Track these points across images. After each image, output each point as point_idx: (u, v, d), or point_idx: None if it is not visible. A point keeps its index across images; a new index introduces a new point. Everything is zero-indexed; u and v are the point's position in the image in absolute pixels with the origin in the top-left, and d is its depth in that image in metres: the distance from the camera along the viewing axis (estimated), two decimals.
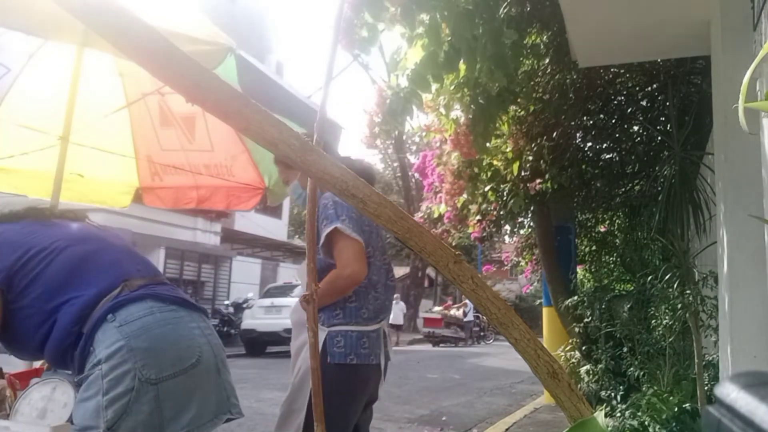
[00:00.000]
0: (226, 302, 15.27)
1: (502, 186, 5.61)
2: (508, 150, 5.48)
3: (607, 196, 6.05)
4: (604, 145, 5.96)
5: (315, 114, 2.29)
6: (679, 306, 3.24)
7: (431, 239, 1.01)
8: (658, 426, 3.31)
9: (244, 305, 13.80)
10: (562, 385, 0.95)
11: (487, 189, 5.63)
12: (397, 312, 18.92)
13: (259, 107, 1.00)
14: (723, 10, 2.59)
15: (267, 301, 12.94)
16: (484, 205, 5.89)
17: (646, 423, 3.42)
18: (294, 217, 28.30)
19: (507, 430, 5.32)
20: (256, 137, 1.00)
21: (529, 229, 7.60)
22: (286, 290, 13.59)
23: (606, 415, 1.05)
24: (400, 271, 30.68)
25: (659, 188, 3.30)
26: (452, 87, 4.05)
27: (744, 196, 2.42)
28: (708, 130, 3.64)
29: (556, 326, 6.27)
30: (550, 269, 6.21)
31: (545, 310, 6.75)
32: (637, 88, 5.48)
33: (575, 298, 5.47)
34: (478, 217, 6.06)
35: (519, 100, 4.83)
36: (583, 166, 5.69)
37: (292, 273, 19.32)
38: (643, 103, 5.54)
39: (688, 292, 3.14)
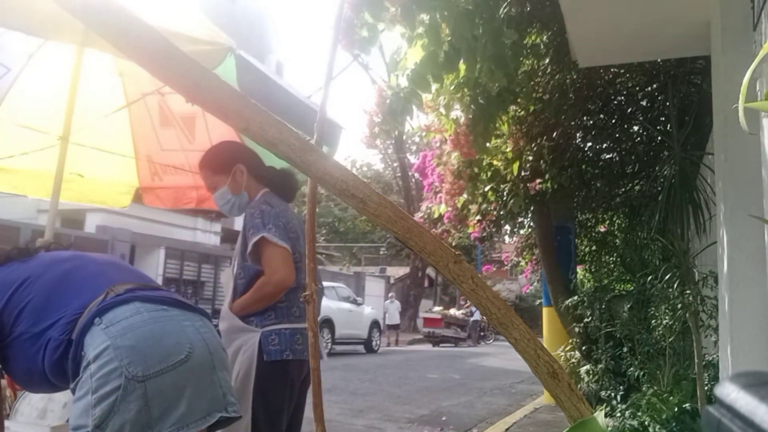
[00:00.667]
0: None
1: (502, 186, 5.61)
2: (508, 150, 5.48)
3: (607, 196, 6.05)
4: (604, 145, 5.96)
5: (315, 114, 2.29)
6: (679, 306, 3.23)
7: (431, 239, 1.01)
8: (658, 426, 3.31)
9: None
10: (562, 385, 0.95)
11: (487, 189, 5.63)
12: (393, 311, 18.93)
13: (259, 107, 1.00)
14: (723, 10, 2.59)
15: None
16: (484, 205, 5.89)
17: (646, 423, 3.42)
18: None
19: (507, 430, 5.32)
20: (256, 137, 1.00)
21: (529, 229, 7.60)
22: None
23: (606, 415, 1.06)
24: (400, 271, 30.72)
25: (659, 188, 3.30)
26: (452, 87, 4.05)
27: (744, 196, 2.41)
28: (708, 130, 3.64)
29: (556, 326, 6.27)
30: (550, 269, 6.21)
31: (545, 310, 6.75)
32: (637, 88, 5.48)
33: (575, 298, 5.47)
34: (478, 217, 6.06)
35: (519, 100, 4.83)
36: (583, 166, 5.69)
37: None
38: (643, 103, 5.54)
39: (688, 292, 3.14)
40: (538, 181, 5.36)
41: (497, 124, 4.65)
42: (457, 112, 4.35)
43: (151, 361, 1.29)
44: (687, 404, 3.35)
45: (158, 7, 1.99)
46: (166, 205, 3.54)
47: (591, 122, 5.65)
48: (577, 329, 5.49)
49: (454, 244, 8.85)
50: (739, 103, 0.91)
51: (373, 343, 15.07)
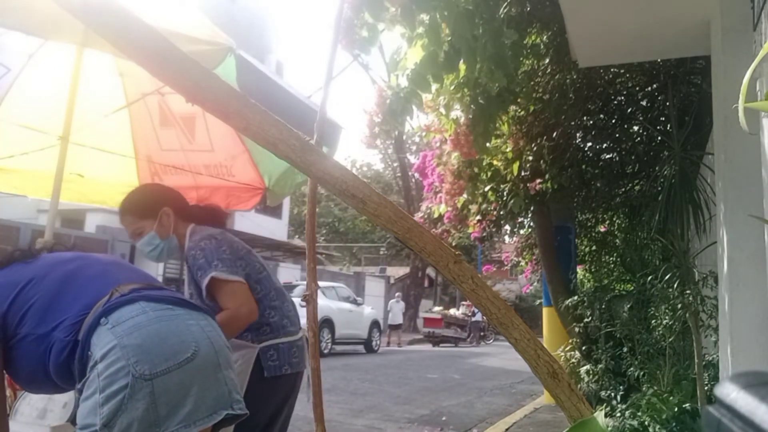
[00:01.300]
0: None
1: (502, 186, 5.61)
2: (508, 150, 5.48)
3: (607, 196, 6.05)
4: (604, 145, 5.96)
5: (315, 114, 2.30)
6: (679, 306, 3.24)
7: (431, 239, 1.01)
8: (658, 426, 3.31)
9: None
10: (562, 385, 0.95)
11: (487, 189, 5.63)
12: (397, 311, 18.88)
13: (259, 107, 1.00)
14: (723, 11, 2.59)
15: None
16: (484, 205, 5.89)
17: (646, 423, 3.42)
18: (294, 217, 28.33)
19: (507, 430, 5.32)
20: (256, 137, 1.00)
21: (529, 229, 7.60)
22: (286, 290, 13.59)
23: (606, 415, 1.06)
24: (400, 271, 30.73)
25: (659, 188, 3.30)
26: (452, 87, 4.05)
27: (744, 196, 2.42)
28: (708, 130, 3.64)
29: (556, 326, 6.27)
30: (550, 269, 6.21)
31: (545, 310, 6.74)
32: (637, 88, 5.48)
33: (575, 298, 5.47)
34: (478, 217, 6.06)
35: (519, 100, 4.83)
36: (583, 166, 5.69)
37: (292, 273, 19.33)
38: (643, 103, 5.54)
39: (688, 292, 3.14)
40: (538, 181, 5.36)
41: (497, 124, 4.65)
42: (457, 112, 4.35)
43: (158, 360, 1.30)
44: (687, 404, 3.35)
45: (158, 7, 1.99)
46: None
47: (591, 122, 5.65)
48: (577, 329, 5.49)
49: (454, 244, 8.85)
50: (739, 103, 0.91)
51: (373, 343, 15.06)
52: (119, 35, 0.99)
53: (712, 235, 3.06)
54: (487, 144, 4.53)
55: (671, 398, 3.49)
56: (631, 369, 4.45)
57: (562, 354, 5.61)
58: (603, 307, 5.19)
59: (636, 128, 5.70)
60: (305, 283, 2.94)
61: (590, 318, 5.28)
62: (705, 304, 3.13)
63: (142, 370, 1.27)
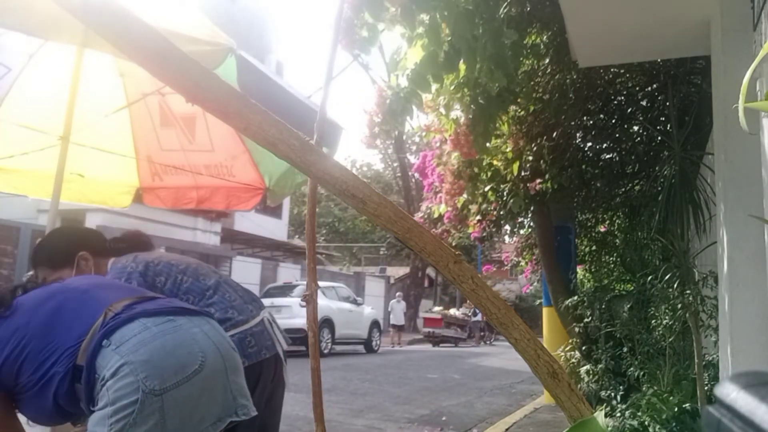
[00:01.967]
0: None
1: (502, 186, 5.61)
2: (508, 150, 5.48)
3: (607, 196, 6.05)
4: (604, 145, 5.96)
5: (315, 114, 2.30)
6: (679, 306, 3.24)
7: (431, 239, 1.01)
8: (658, 426, 3.31)
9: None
10: (562, 385, 0.95)
11: (487, 189, 5.63)
12: (399, 312, 18.83)
13: (259, 107, 1.00)
14: (723, 11, 2.59)
15: (267, 301, 12.91)
16: (484, 205, 5.89)
17: (646, 423, 3.42)
18: (294, 217, 28.34)
19: (507, 430, 5.32)
20: (256, 137, 1.00)
21: (529, 229, 7.60)
22: (286, 290, 13.60)
23: (606, 415, 1.06)
24: (400, 271, 30.73)
25: (659, 188, 3.30)
26: (452, 87, 4.05)
27: (744, 196, 2.42)
28: (708, 130, 3.64)
29: (556, 326, 6.27)
30: (550, 269, 6.21)
31: (545, 310, 6.74)
32: (637, 88, 5.48)
33: (575, 298, 5.47)
34: (478, 217, 6.06)
35: (519, 100, 4.83)
36: (583, 166, 5.69)
37: (292, 273, 19.33)
38: (643, 103, 5.54)
39: (688, 292, 3.14)
40: (538, 181, 5.36)
41: (497, 124, 4.65)
42: (457, 112, 4.35)
43: (167, 374, 1.30)
44: (687, 404, 3.35)
45: (158, 7, 1.99)
46: (166, 205, 3.54)
47: (591, 122, 5.65)
48: (577, 329, 5.49)
49: (454, 244, 8.86)
50: (739, 103, 0.91)
51: (373, 343, 15.06)
52: (119, 35, 0.99)
53: (712, 235, 3.06)
54: (487, 144, 4.53)
55: (671, 398, 3.49)
56: (631, 369, 4.45)
57: (562, 354, 5.61)
58: (603, 307, 5.19)
59: (636, 128, 5.70)
60: (305, 283, 2.94)
61: (590, 318, 5.28)
62: (705, 304, 3.13)
63: (152, 386, 1.27)
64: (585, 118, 5.56)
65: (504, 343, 18.52)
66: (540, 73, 5.19)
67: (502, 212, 5.77)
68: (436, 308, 22.57)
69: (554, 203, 5.81)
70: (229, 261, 17.28)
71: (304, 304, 2.26)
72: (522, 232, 7.87)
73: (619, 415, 3.90)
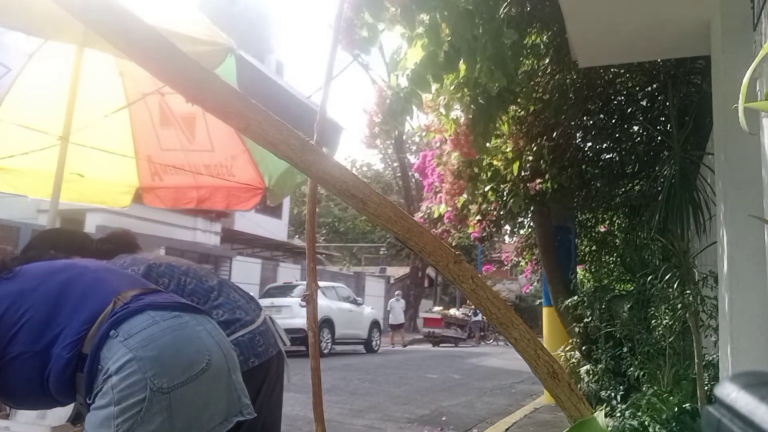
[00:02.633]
0: None
1: (502, 186, 5.61)
2: (508, 150, 5.48)
3: (607, 196, 6.05)
4: (604, 145, 5.96)
5: (315, 114, 2.30)
6: (679, 306, 3.24)
7: (431, 239, 1.01)
8: (658, 426, 3.31)
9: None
10: (562, 385, 0.95)
11: (487, 189, 5.63)
12: (398, 311, 18.75)
13: (259, 107, 1.00)
14: (723, 11, 2.59)
15: (267, 301, 12.94)
16: (484, 205, 5.89)
17: (646, 423, 3.42)
18: (294, 217, 28.34)
19: (507, 430, 5.32)
20: (256, 137, 1.00)
21: (529, 229, 7.60)
22: (286, 290, 13.61)
23: (606, 415, 1.06)
24: (400, 271, 30.73)
25: (659, 188, 3.29)
26: (452, 87, 4.05)
27: (744, 196, 2.42)
28: (708, 130, 3.64)
29: (556, 326, 6.27)
30: (550, 269, 6.21)
31: (545, 310, 6.75)
32: (637, 88, 5.48)
33: (575, 298, 5.47)
34: (478, 217, 6.05)
35: (519, 100, 4.83)
36: (583, 166, 5.69)
37: (292, 273, 19.33)
38: (643, 103, 5.54)
39: (688, 292, 3.14)
40: (538, 181, 5.36)
41: (497, 124, 4.65)
42: (457, 112, 4.35)
43: (176, 372, 1.28)
44: (687, 404, 3.35)
45: (158, 7, 1.99)
46: (166, 205, 3.54)
47: (591, 122, 5.65)
48: (577, 329, 5.49)
49: (454, 244, 8.86)
50: (739, 103, 0.91)
51: (373, 343, 15.06)
52: (119, 35, 0.99)
53: (712, 235, 3.06)
54: (487, 144, 4.53)
55: (671, 398, 3.49)
56: (631, 369, 4.45)
57: (562, 354, 5.61)
58: (603, 307, 5.19)
59: (636, 128, 5.70)
60: (305, 283, 2.94)
61: (590, 318, 5.28)
62: (705, 304, 3.13)
63: (160, 384, 1.25)
64: (585, 118, 5.56)
65: (502, 342, 18.49)
66: (540, 73, 5.19)
67: (502, 212, 5.77)
68: (436, 308, 22.58)
69: (554, 203, 5.81)
70: (229, 261, 17.29)
71: (304, 304, 2.26)
72: (522, 232, 7.87)
73: (619, 415, 3.90)
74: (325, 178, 1.01)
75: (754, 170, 2.24)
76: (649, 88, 5.40)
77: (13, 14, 1.74)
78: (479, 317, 20.96)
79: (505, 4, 3.72)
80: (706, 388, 3.12)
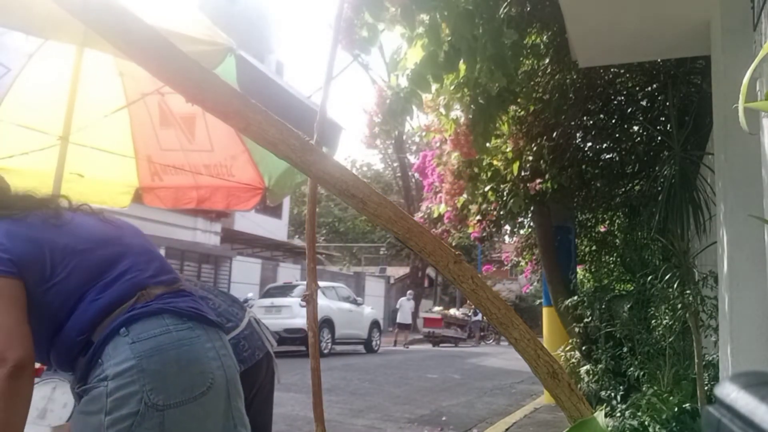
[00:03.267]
0: None
1: (502, 186, 5.61)
2: (508, 150, 5.48)
3: (607, 196, 6.05)
4: (604, 145, 5.96)
5: (315, 114, 2.30)
6: (679, 306, 3.24)
7: (431, 239, 1.01)
8: (658, 426, 3.31)
9: (245, 305, 13.72)
10: (562, 385, 0.95)
11: (487, 189, 5.63)
12: (407, 310, 18.66)
13: (259, 107, 1.00)
14: (723, 11, 2.59)
15: (267, 301, 12.96)
16: (484, 205, 5.89)
17: (646, 423, 3.42)
18: (294, 217, 28.34)
19: (507, 430, 5.32)
20: (256, 137, 1.00)
21: (529, 229, 7.60)
22: (286, 290, 13.60)
23: (606, 415, 1.06)
24: (400, 271, 30.74)
25: (659, 188, 3.30)
26: (452, 87, 4.05)
27: (744, 196, 2.42)
28: (708, 130, 3.64)
29: (556, 326, 6.27)
30: (550, 269, 6.21)
31: (545, 310, 6.75)
32: (637, 88, 5.48)
33: (575, 298, 5.47)
34: (478, 217, 6.06)
35: (519, 100, 4.83)
36: (583, 166, 5.69)
37: (292, 273, 19.33)
38: (643, 103, 5.54)
39: (688, 292, 3.14)
40: (538, 181, 5.36)
41: (497, 124, 4.66)
42: (457, 112, 4.35)
43: (174, 391, 1.24)
44: (687, 404, 3.35)
45: (158, 7, 1.99)
46: (166, 205, 3.54)
47: (591, 122, 5.65)
48: (577, 329, 5.49)
49: (454, 244, 8.86)
50: (739, 103, 0.91)
51: (373, 343, 15.06)
52: (119, 35, 0.99)
53: (712, 235, 3.06)
54: (487, 144, 4.53)
55: (671, 398, 3.49)
56: (631, 369, 4.45)
57: (562, 354, 5.61)
58: (603, 307, 5.19)
59: (636, 128, 5.70)
60: (305, 283, 2.94)
61: (590, 318, 5.28)
62: (705, 304, 3.13)
63: (155, 400, 1.21)
64: (585, 118, 5.57)
65: (504, 343, 18.49)
66: (540, 73, 5.19)
67: (502, 212, 5.77)
68: (436, 308, 22.58)
69: (554, 203, 5.81)
70: (229, 261, 17.29)
71: (304, 304, 2.26)
72: (522, 232, 7.87)
73: (619, 415, 3.90)
74: (325, 178, 1.01)
75: (754, 170, 2.24)
76: (649, 88, 5.40)
77: (13, 14, 1.74)
78: (479, 317, 20.95)
79: (505, 4, 3.72)
80: (706, 388, 3.12)
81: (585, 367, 5.25)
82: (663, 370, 3.96)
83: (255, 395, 1.99)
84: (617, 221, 7.20)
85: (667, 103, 4.73)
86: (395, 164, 28.26)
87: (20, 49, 2.66)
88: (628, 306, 4.78)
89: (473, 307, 20.73)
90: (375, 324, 15.22)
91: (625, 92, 5.61)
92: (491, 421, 5.89)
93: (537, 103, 5.20)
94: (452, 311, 21.38)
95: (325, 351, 12.45)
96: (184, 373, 1.27)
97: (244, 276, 17.27)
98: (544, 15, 4.21)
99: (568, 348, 5.68)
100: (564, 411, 0.95)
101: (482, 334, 22.24)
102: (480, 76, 3.61)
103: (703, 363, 3.22)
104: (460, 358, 14.25)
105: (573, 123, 5.38)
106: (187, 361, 1.28)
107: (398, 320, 18.51)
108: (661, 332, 3.84)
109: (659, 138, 4.97)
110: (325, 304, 12.43)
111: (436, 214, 6.24)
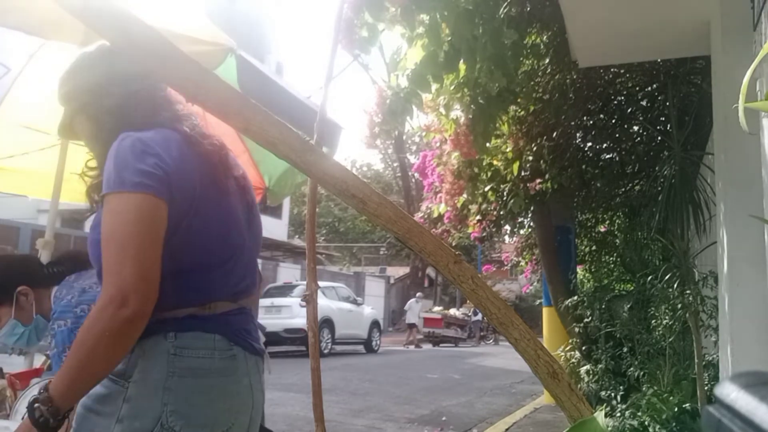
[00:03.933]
0: None
1: (502, 186, 5.61)
2: (508, 150, 5.48)
3: (607, 196, 6.06)
4: (604, 145, 5.96)
5: (315, 114, 2.30)
6: (679, 306, 3.24)
7: (431, 239, 1.01)
8: (658, 426, 3.32)
9: None
10: (562, 385, 0.95)
11: (487, 189, 5.63)
12: (416, 311, 18.76)
13: (259, 107, 1.00)
14: (723, 11, 2.59)
15: (267, 301, 12.95)
16: (484, 205, 5.89)
17: (646, 423, 3.42)
18: (294, 217, 28.35)
19: (507, 430, 5.32)
20: (257, 137, 1.00)
21: (529, 229, 7.60)
22: (286, 290, 13.60)
23: (606, 415, 1.06)
24: (400, 271, 30.74)
25: (659, 188, 3.30)
26: (452, 87, 4.05)
27: (744, 196, 2.42)
28: (708, 130, 3.64)
29: (556, 326, 6.27)
30: (550, 269, 6.21)
31: (545, 310, 6.75)
32: (637, 88, 5.48)
33: (575, 298, 5.47)
34: (478, 217, 6.06)
35: (519, 100, 4.83)
36: (583, 166, 5.69)
37: (292, 273, 19.33)
38: (643, 103, 5.55)
39: (688, 292, 3.14)
40: (538, 181, 5.36)
41: (497, 124, 4.65)
42: (457, 112, 4.35)
43: (196, 422, 1.13)
44: (687, 404, 3.35)
45: (158, 7, 1.99)
46: None
47: (591, 122, 5.65)
48: (577, 329, 5.49)
49: (454, 244, 8.85)
50: (739, 103, 0.91)
51: (373, 343, 15.07)
52: (119, 35, 0.99)
53: (712, 235, 3.06)
54: (487, 144, 4.53)
55: (671, 398, 3.49)
56: (631, 369, 4.45)
57: (562, 354, 5.61)
58: (603, 307, 5.20)
59: (636, 128, 5.70)
60: (305, 283, 2.94)
61: (590, 318, 5.28)
62: (705, 304, 3.13)
63: (173, 424, 1.10)
64: (585, 118, 5.57)
65: (504, 343, 18.47)
66: (540, 73, 5.20)
67: (502, 212, 5.77)
68: (436, 308, 22.58)
69: (554, 203, 5.82)
70: None
71: (304, 304, 2.26)
72: (522, 232, 7.87)
73: (619, 415, 3.90)
74: (325, 178, 1.01)
75: (754, 170, 2.24)
76: (649, 88, 5.40)
77: (13, 14, 1.74)
78: (479, 317, 20.95)
79: (505, 4, 3.73)
80: (706, 388, 3.12)
81: (585, 367, 5.25)
82: (663, 370, 3.96)
83: None
84: (617, 221, 7.20)
85: (667, 103, 4.73)
86: (395, 164, 28.27)
87: (20, 49, 2.66)
88: (628, 306, 4.78)
89: (473, 307, 20.76)
90: (375, 324, 15.23)
91: (625, 92, 5.61)
92: (491, 421, 5.89)
93: (537, 103, 5.20)
94: (452, 311, 21.38)
95: (325, 351, 12.45)
96: (212, 407, 1.16)
97: None
98: (544, 15, 4.21)
99: (568, 348, 5.69)
100: (564, 411, 0.95)
101: (482, 334, 22.24)
102: (480, 76, 3.61)
103: (703, 363, 3.22)
104: (460, 358, 14.25)
105: (573, 123, 5.38)
106: (219, 394, 1.17)
107: (407, 321, 18.64)
108: (661, 332, 3.84)
109: (659, 138, 4.97)
110: (325, 304, 12.43)
111: (436, 214, 6.24)
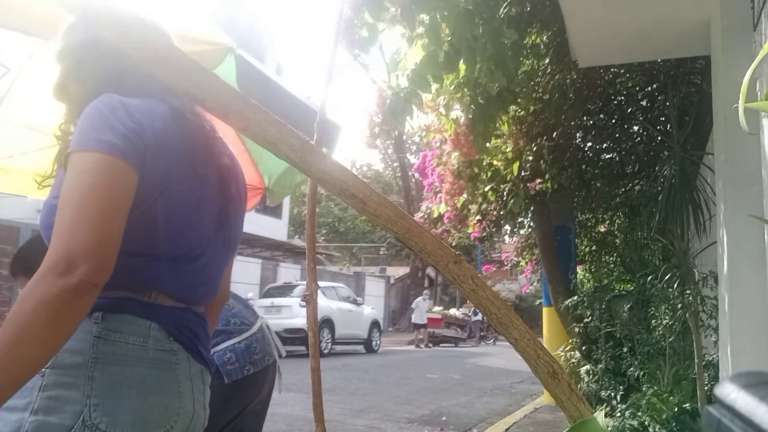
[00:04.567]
0: None
1: (502, 186, 5.61)
2: (508, 150, 5.48)
3: (607, 196, 6.06)
4: (604, 145, 5.97)
5: (315, 114, 2.30)
6: (679, 306, 3.24)
7: (431, 239, 1.01)
8: (658, 426, 3.31)
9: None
10: (562, 385, 0.95)
11: (487, 189, 5.63)
12: (423, 310, 18.67)
13: (259, 107, 1.00)
14: (723, 11, 2.59)
15: (267, 301, 12.96)
16: (484, 205, 5.89)
17: (646, 423, 3.42)
18: (294, 217, 28.35)
19: (507, 430, 5.32)
20: (256, 137, 1.00)
21: (529, 229, 7.61)
22: (286, 290, 13.61)
23: (606, 415, 1.06)
24: (400, 271, 30.74)
25: (659, 188, 3.30)
26: (452, 87, 4.05)
27: (744, 196, 2.42)
28: (708, 130, 3.64)
29: (556, 326, 6.27)
30: (550, 269, 6.21)
31: (545, 310, 6.75)
32: (637, 88, 5.48)
33: (575, 298, 5.47)
34: (478, 217, 6.06)
35: (519, 100, 4.83)
36: (583, 166, 5.70)
37: (292, 273, 19.33)
38: (643, 103, 5.55)
39: (688, 292, 3.14)
40: (538, 181, 5.36)
41: (497, 124, 4.66)
42: (457, 112, 4.35)
43: (124, 419, 0.94)
44: (687, 404, 3.35)
45: (158, 6, 1.99)
46: None
47: (591, 122, 5.65)
48: (577, 329, 5.50)
49: (454, 244, 8.86)
50: (739, 103, 0.91)
51: (373, 343, 15.07)
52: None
53: (712, 235, 3.07)
54: (487, 144, 4.53)
55: (671, 398, 3.49)
56: (631, 369, 4.45)
57: (562, 354, 5.62)
58: (603, 307, 5.20)
59: (636, 128, 5.70)
60: (305, 283, 2.94)
61: (590, 318, 5.28)
62: (705, 304, 3.13)
63: (97, 422, 0.91)
64: (585, 118, 5.57)
65: (504, 343, 18.47)
66: (540, 73, 5.20)
67: (502, 212, 5.77)
68: (436, 308, 22.58)
69: (554, 203, 5.82)
70: None
71: (304, 304, 2.26)
72: (522, 232, 7.87)
73: (619, 415, 3.90)
74: (325, 178, 1.01)
75: (754, 170, 2.25)
76: (649, 88, 5.40)
77: (13, 14, 1.75)
78: (479, 317, 20.95)
79: (505, 4, 3.73)
80: (706, 388, 3.12)
81: (585, 367, 5.25)
82: (663, 370, 3.96)
83: (257, 403, 1.99)
84: (617, 221, 7.20)
85: (667, 103, 4.73)
86: (395, 164, 28.28)
87: (20, 49, 2.66)
88: (628, 306, 4.79)
89: (473, 307, 20.75)
90: (375, 324, 15.23)
91: (625, 92, 5.61)
92: (491, 421, 5.89)
93: (537, 103, 5.20)
94: (452, 311, 21.38)
95: (325, 351, 12.45)
96: (143, 402, 0.96)
97: (243, 276, 17.25)
98: (544, 15, 4.21)
99: (568, 348, 5.69)
100: (564, 411, 0.95)
101: (482, 334, 22.24)
102: (480, 76, 3.61)
103: (703, 363, 3.22)
104: (460, 358, 14.25)
105: (573, 123, 5.39)
106: (151, 387, 0.98)
107: (413, 320, 18.55)
108: (661, 332, 3.84)
109: (659, 138, 4.97)
110: (325, 304, 12.43)
111: (436, 214, 6.24)
